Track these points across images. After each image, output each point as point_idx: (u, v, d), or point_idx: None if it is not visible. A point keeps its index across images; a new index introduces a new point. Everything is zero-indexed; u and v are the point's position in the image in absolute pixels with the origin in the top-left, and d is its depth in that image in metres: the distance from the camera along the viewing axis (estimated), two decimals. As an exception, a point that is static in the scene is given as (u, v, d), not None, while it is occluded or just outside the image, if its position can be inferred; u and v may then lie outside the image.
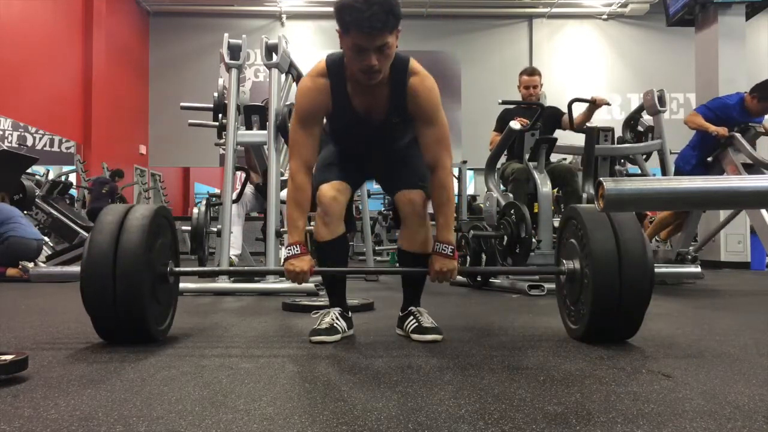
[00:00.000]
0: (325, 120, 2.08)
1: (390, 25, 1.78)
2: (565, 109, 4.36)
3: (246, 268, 4.48)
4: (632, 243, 1.87)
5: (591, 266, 1.88)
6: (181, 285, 3.70)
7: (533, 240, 3.55)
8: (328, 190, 2.02)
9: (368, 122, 2.00)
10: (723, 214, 6.50)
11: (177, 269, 2.09)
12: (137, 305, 1.83)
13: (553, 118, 4.38)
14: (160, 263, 2.00)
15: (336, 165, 2.11)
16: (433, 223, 2.04)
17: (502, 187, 4.28)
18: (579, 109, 4.38)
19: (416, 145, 2.07)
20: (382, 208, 9.72)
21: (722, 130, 4.13)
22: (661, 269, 2.24)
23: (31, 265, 5.06)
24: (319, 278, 4.09)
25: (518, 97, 4.55)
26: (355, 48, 1.81)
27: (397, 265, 2.22)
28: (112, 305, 1.82)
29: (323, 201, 2.02)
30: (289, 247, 1.96)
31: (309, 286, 3.62)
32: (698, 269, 2.26)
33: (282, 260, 2.09)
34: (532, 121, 3.95)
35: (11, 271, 5.03)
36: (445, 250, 1.96)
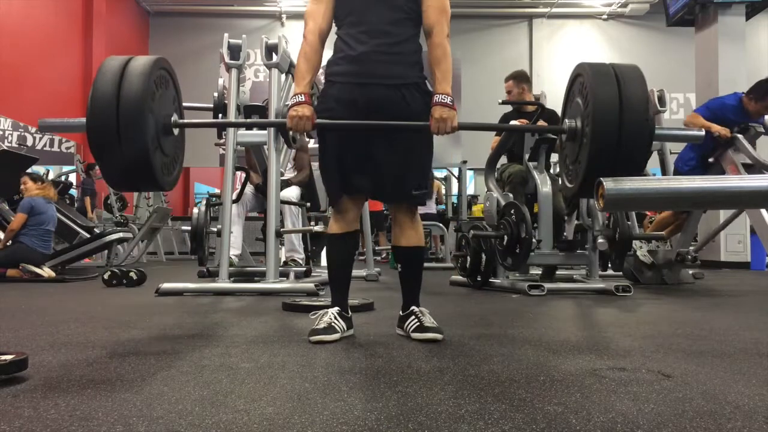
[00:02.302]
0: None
1: None
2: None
3: (244, 266, 4.48)
4: (635, 99, 1.82)
5: (591, 122, 1.85)
6: (181, 285, 3.74)
7: (533, 240, 3.55)
8: (350, 205, 2.14)
9: None
10: (723, 214, 6.50)
11: (181, 121, 2.10)
12: (142, 149, 1.83)
13: (549, 123, 4.32)
14: (164, 114, 2.00)
15: (350, 172, 2.09)
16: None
17: (500, 187, 4.28)
18: None
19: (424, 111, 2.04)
20: (384, 210, 9.72)
21: (724, 131, 4.10)
22: (662, 131, 2.17)
23: (32, 267, 5.10)
24: (319, 278, 4.10)
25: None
26: None
27: (398, 265, 2.23)
28: (118, 147, 1.82)
29: (342, 209, 2.14)
30: (293, 97, 2.03)
31: (309, 286, 3.62)
32: (702, 132, 2.16)
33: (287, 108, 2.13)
34: (531, 122, 3.95)
35: (11, 272, 5.06)
36: (444, 100, 1.99)
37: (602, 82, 1.86)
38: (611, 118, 1.82)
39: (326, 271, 2.29)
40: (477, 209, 9.95)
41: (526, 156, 4.09)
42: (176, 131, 2.08)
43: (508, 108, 4.42)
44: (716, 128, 4.13)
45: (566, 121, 2.05)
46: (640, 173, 1.87)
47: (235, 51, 4.02)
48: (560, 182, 2.14)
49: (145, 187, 1.99)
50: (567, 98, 2.12)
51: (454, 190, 8.95)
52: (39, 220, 5.39)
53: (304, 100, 2.01)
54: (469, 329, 2.33)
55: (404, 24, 2.07)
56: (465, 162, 7.92)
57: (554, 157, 4.59)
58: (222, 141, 4.25)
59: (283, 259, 4.62)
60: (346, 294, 2.20)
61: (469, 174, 9.32)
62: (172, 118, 2.05)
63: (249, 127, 4.18)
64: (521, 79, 4.39)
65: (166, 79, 2.06)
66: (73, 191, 8.93)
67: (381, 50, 2.04)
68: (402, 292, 2.21)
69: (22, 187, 5.68)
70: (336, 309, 2.11)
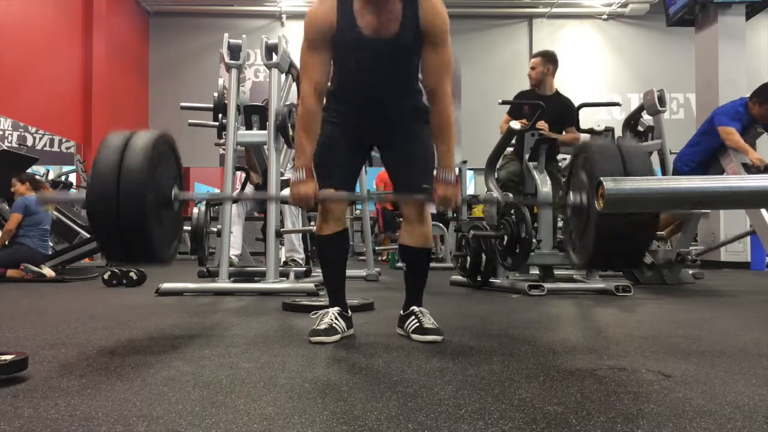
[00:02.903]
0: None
1: None
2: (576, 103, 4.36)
3: (247, 268, 4.48)
4: (639, 174, 1.84)
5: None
6: (181, 285, 3.74)
7: (533, 240, 3.55)
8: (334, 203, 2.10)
9: (375, 45, 1.96)
10: (723, 214, 6.50)
11: (182, 195, 2.09)
12: (142, 224, 1.83)
13: (563, 112, 4.23)
14: (165, 187, 2.00)
15: (338, 165, 2.09)
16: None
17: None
18: (585, 114, 4.37)
19: (424, 123, 2.07)
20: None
21: (761, 161, 4.07)
22: None
23: (35, 267, 5.11)
24: (319, 278, 4.10)
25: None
26: None
27: (400, 262, 2.23)
28: (116, 223, 1.82)
29: (327, 207, 2.09)
30: (295, 171, 1.99)
31: (309, 286, 3.63)
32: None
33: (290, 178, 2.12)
34: (531, 122, 3.94)
35: (12, 272, 5.06)
36: (449, 178, 1.99)
37: (606, 158, 1.89)
38: None
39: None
40: (477, 209, 9.94)
41: (526, 156, 4.09)
42: (176, 205, 2.08)
43: (511, 93, 4.43)
44: (753, 156, 4.09)
45: (570, 194, 2.08)
46: (648, 242, 1.89)
47: (235, 51, 4.02)
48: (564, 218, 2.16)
49: (143, 260, 1.96)
50: (570, 173, 2.16)
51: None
52: (35, 219, 5.39)
53: (305, 177, 1.97)
54: (469, 329, 2.33)
55: (404, 98, 2.08)
56: (465, 162, 7.92)
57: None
58: (222, 141, 4.26)
59: (283, 259, 4.62)
60: (344, 293, 2.20)
61: (469, 174, 9.32)
62: (173, 192, 2.05)
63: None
64: (549, 59, 4.34)
65: (168, 154, 2.07)
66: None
67: (376, 120, 2.08)
68: (405, 291, 2.21)
69: (12, 189, 5.67)
70: (336, 309, 2.11)
